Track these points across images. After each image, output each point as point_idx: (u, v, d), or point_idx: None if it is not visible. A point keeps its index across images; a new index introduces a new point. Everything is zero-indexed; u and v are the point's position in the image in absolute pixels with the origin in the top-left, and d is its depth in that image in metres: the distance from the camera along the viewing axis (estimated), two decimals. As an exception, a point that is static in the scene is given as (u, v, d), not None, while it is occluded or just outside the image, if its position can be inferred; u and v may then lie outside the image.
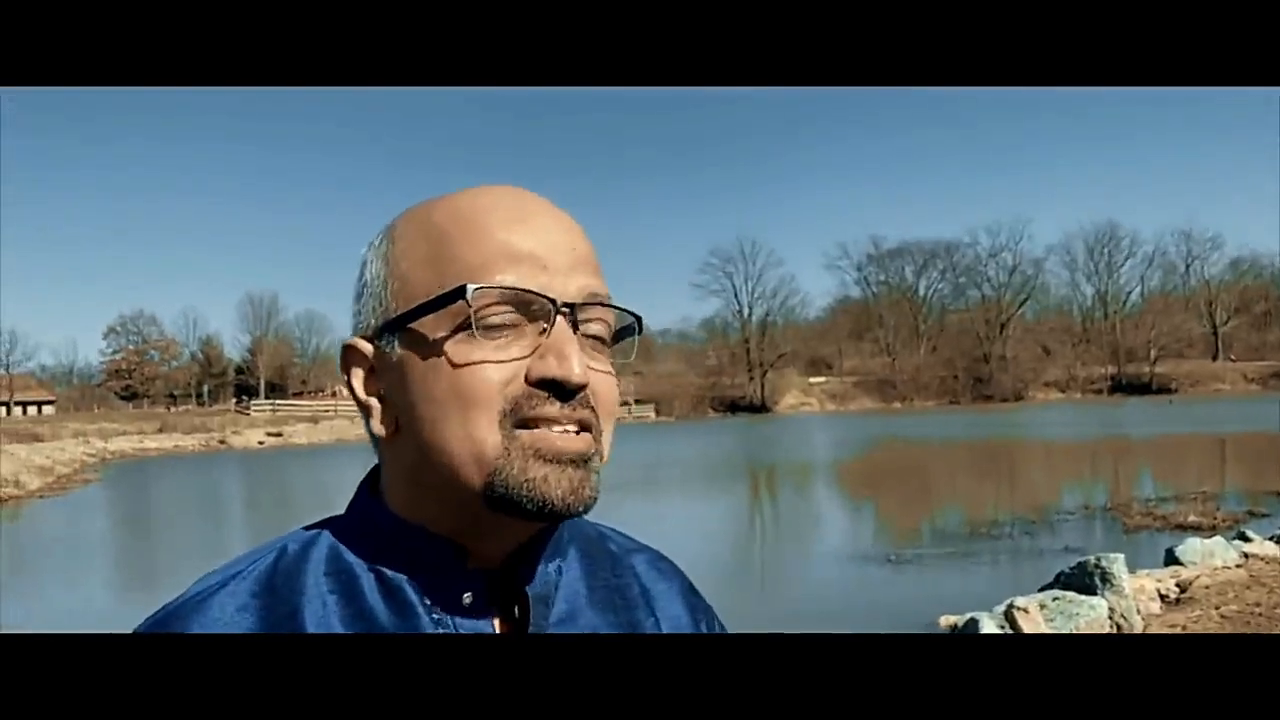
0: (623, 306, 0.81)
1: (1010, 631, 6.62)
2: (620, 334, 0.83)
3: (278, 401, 75.87)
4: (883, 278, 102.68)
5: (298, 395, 79.97)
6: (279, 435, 54.59)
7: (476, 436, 0.73)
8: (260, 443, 52.66)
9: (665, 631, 0.88)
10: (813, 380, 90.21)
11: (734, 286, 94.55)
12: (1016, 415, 56.68)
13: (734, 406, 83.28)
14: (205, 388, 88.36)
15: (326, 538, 0.81)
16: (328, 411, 64.69)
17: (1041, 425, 44.09)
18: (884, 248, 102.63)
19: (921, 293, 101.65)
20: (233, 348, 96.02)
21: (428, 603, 0.77)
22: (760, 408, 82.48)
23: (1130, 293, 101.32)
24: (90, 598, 11.74)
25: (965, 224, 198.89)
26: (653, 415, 76.98)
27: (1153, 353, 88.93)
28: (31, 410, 79.11)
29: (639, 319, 0.83)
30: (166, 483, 31.62)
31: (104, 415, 65.87)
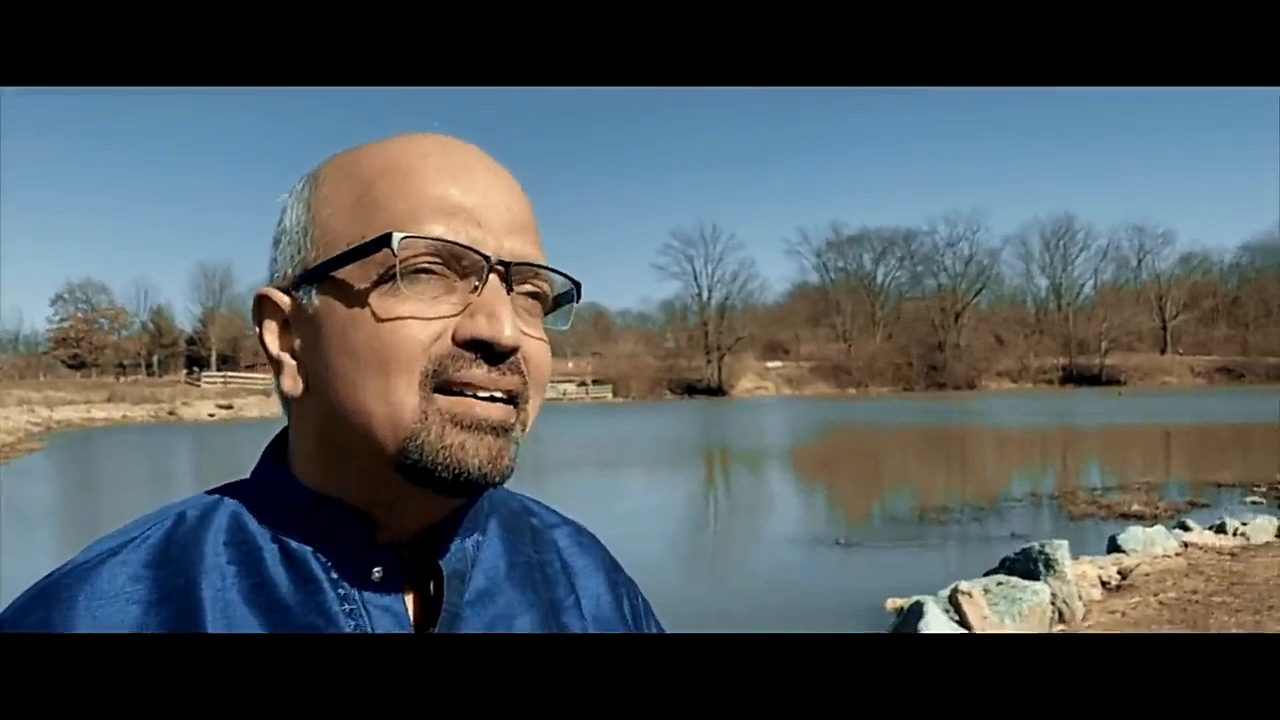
0: (561, 271, 0.76)
1: (954, 614, 6.73)
2: (559, 301, 0.78)
3: (229, 374, 74.85)
4: (841, 264, 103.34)
5: (250, 368, 78.57)
6: (230, 408, 53.86)
7: (394, 398, 0.67)
8: (211, 415, 51.94)
9: (585, 608, 0.85)
10: (769, 364, 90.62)
11: (694, 269, 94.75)
12: (969, 403, 57.41)
13: (691, 389, 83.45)
14: (155, 358, 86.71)
15: (227, 505, 0.75)
16: (281, 385, 63.79)
17: (993, 414, 44.71)
18: (844, 234, 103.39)
19: (879, 280, 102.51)
20: (184, 318, 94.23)
21: (334, 577, 0.71)
22: (717, 391, 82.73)
23: (1083, 285, 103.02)
24: (30, 564, 11.53)
25: (924, 213, 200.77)
26: (610, 396, 77.05)
27: (1103, 345, 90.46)
28: (-26, 377, 77.26)
29: (578, 285, 0.78)
30: (113, 453, 31.06)
31: (50, 384, 64.52)
